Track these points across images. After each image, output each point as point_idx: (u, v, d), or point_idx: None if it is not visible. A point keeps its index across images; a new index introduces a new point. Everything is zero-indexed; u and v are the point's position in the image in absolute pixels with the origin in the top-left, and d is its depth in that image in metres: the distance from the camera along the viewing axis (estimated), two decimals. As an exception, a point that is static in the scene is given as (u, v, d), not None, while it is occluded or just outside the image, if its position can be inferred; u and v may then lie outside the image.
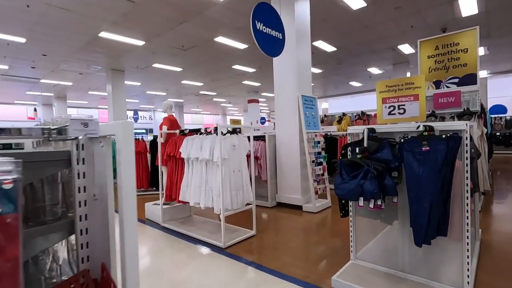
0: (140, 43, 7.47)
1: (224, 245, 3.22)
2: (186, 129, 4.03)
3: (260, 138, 5.20)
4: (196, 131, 3.78)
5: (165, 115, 4.69)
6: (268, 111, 27.52)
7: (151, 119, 24.41)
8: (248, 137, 3.76)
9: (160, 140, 4.22)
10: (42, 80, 11.34)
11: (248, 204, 3.55)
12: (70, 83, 12.17)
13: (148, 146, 6.88)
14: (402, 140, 2.01)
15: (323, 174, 4.93)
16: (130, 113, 18.74)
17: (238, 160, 3.45)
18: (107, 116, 11.36)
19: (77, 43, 7.38)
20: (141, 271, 2.76)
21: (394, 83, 2.32)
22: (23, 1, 5.13)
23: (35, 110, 18.08)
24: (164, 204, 4.23)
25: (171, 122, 4.50)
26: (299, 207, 4.76)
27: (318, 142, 4.95)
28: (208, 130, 3.60)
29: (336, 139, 6.50)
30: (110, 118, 10.70)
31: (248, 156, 3.76)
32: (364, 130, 2.23)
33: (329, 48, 8.65)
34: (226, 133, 3.45)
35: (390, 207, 2.26)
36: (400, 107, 2.28)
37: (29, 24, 6.07)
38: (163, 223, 4.14)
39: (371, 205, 2.02)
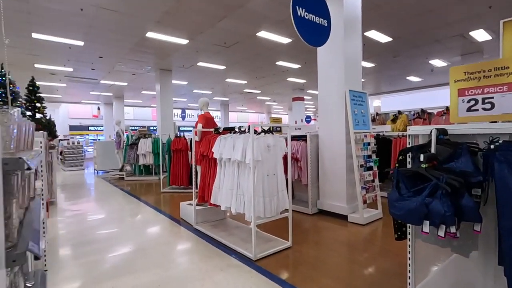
0: (184, 41, 7.54)
1: (255, 257, 2.89)
2: (220, 128, 3.81)
3: (301, 138, 4.76)
4: (230, 130, 3.52)
5: (202, 112, 4.54)
6: (314, 109, 26.54)
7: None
8: (286, 138, 3.38)
9: (194, 138, 4.06)
10: (101, 81, 12.33)
11: (283, 211, 3.18)
12: (125, 83, 13.05)
13: (189, 144, 6.90)
14: (490, 145, 1.45)
15: (373, 181, 4.31)
16: (178, 112, 19.58)
17: (273, 163, 3.09)
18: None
19: (127, 44, 7.74)
20: (165, 277, 2.58)
21: (477, 68, 1.73)
22: (77, 5, 5.44)
23: (98, 108, 19.99)
24: (197, 205, 4.07)
25: (207, 120, 4.33)
26: (344, 217, 4.22)
27: (368, 144, 4.34)
28: (242, 129, 3.30)
29: (389, 140, 5.73)
30: (158, 117, 11.18)
31: (285, 158, 3.38)
32: (431, 131, 1.70)
33: (383, 38, 7.76)
34: (260, 133, 3.12)
35: (467, 234, 1.69)
36: (486, 100, 1.69)
37: (84, 27, 6.48)
38: (195, 225, 3.98)
39: (441, 233, 1.49)
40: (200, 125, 4.25)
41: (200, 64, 9.85)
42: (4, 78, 5.45)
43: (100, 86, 13.41)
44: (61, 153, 12.61)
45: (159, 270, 2.74)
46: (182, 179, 6.78)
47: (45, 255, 2.73)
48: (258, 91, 16.01)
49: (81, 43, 7.49)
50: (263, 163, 2.98)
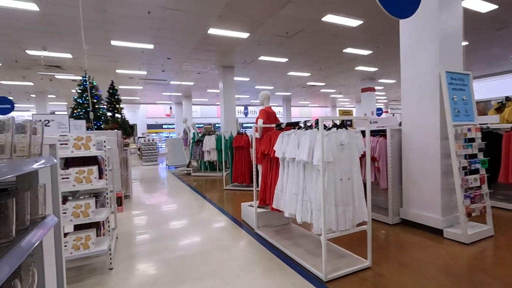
0: (245, 35, 7.33)
1: (326, 277, 2.41)
2: (282, 123, 3.39)
3: (378, 133, 4.03)
4: (294, 125, 3.07)
5: (262, 107, 4.19)
6: (386, 101, 24.03)
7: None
8: (363, 132, 2.77)
9: (255, 135, 3.74)
10: (171, 82, 13.18)
11: (360, 224, 2.61)
12: (192, 83, 13.69)
13: (251, 141, 6.69)
14: None
15: (480, 187, 3.34)
16: (241, 108, 19.87)
17: (348, 164, 2.54)
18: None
19: (191, 44, 7.91)
20: (222, 292, 2.31)
21: None
22: (145, 9, 5.65)
23: (170, 108, 21.72)
24: (258, 207, 3.76)
25: (268, 115, 3.97)
26: (438, 232, 3.38)
27: (473, 140, 3.38)
28: (308, 124, 2.83)
29: (498, 134, 4.49)
30: (221, 114, 11.38)
31: (363, 158, 2.78)
32: None
33: (484, 6, 6.23)
34: (331, 127, 2.59)
35: None
36: None
37: (152, 30, 6.79)
38: (257, 229, 3.67)
39: None
40: (260, 121, 3.91)
41: (262, 58, 9.59)
42: (87, 83, 6.04)
43: (170, 87, 14.37)
44: (139, 149, 13.98)
45: (217, 281, 2.49)
46: (244, 176, 6.61)
47: (110, 254, 2.75)
48: (322, 84, 15.08)
49: (151, 46, 7.94)
50: (335, 164, 2.46)
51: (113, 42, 7.52)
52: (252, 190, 6.39)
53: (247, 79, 13.11)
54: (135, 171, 10.97)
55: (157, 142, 14.61)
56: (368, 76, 13.58)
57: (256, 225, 3.69)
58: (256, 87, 15.37)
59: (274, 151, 3.09)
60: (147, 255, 3.11)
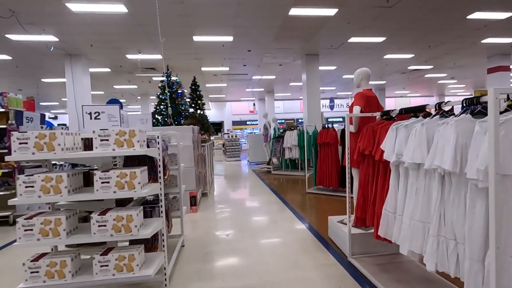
0: (333, 11, 6.20)
1: None
2: (393, 110, 2.30)
3: None
4: (416, 111, 1.97)
5: (359, 90, 3.11)
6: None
7: (348, 107, 23.15)
8: None
9: (349, 129, 2.72)
10: (253, 77, 12.94)
11: None
12: (273, 77, 13.16)
13: (339, 136, 5.59)
14: None
15: None
16: (326, 102, 18.40)
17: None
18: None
19: (271, 30, 7.25)
20: None
21: None
22: (221, -7, 5.22)
23: (253, 104, 21.94)
24: (353, 227, 2.76)
25: (368, 100, 2.88)
26: None
27: None
28: (447, 107, 1.70)
29: None
30: (304, 107, 10.42)
31: None
32: None
33: None
34: (505, 111, 1.41)
35: None
36: None
37: (230, 19, 6.39)
38: (350, 257, 2.68)
39: None
40: (357, 108, 2.86)
41: (352, 40, 8.18)
42: (169, 79, 6.06)
43: (252, 82, 14.19)
44: (223, 145, 14.37)
45: None
46: (331, 179, 5.57)
47: (165, 274, 2.26)
48: (429, 67, 12.34)
49: (230, 38, 7.63)
50: (518, 180, 1.29)
51: (195, 38, 7.50)
52: (341, 197, 5.30)
53: (333, 67, 11.74)
54: (219, 166, 11.14)
55: (240, 138, 14.71)
56: (499, 51, 10.33)
57: (350, 252, 2.70)
58: (344, 76, 13.76)
59: (381, 151, 2.06)
60: (209, 276, 2.53)
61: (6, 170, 4.34)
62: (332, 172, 5.56)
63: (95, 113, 2.15)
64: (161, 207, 2.24)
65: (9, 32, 6.58)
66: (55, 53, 8.12)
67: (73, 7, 5.38)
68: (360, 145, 2.39)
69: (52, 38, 6.99)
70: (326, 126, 5.82)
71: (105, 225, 1.83)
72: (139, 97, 17.23)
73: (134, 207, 2.01)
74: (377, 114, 2.51)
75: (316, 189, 5.95)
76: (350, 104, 3.09)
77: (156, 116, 6.53)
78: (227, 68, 11.02)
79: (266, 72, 12.23)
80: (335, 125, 5.98)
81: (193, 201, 4.57)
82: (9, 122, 4.33)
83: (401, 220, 1.88)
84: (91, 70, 9.53)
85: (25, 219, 1.80)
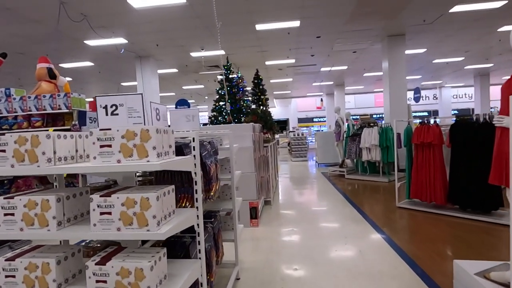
0: (433, -30, 4.70)
1: None
2: None
3: None
4: None
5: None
6: None
7: (436, 98, 19.61)
8: None
9: (500, 123, 1.54)
10: (321, 69, 11.69)
11: None
12: (345, 67, 11.67)
13: (445, 135, 4.15)
14: None
15: None
16: (409, 93, 15.77)
17: None
18: (382, 100, 9.47)
19: (344, 8, 6.04)
20: None
21: None
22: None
23: (321, 100, 20.43)
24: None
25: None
26: None
27: None
28: None
29: None
30: (385, 100, 8.76)
31: None
32: None
33: None
34: None
35: None
36: None
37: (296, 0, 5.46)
38: None
39: None
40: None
41: (456, 9, 6.33)
42: (229, 72, 5.46)
43: (321, 74, 12.92)
44: (288, 144, 13.49)
45: None
46: (434, 191, 4.16)
47: None
48: None
49: (297, 23, 6.69)
50: None
51: (258, 27, 6.80)
52: (451, 216, 3.84)
53: (423, 50, 9.68)
54: (284, 166, 10.32)
55: (307, 136, 13.60)
56: None
57: None
58: (435, 61, 11.39)
59: None
60: None
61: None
62: (435, 182, 4.14)
63: (111, 106, 1.53)
64: (199, 243, 1.49)
65: (87, 38, 6.94)
66: (128, 56, 8.44)
67: (134, 2, 5.22)
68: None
69: (122, 40, 7.16)
70: (426, 121, 4.41)
71: (105, 281, 1.16)
72: (206, 97, 17.61)
73: (152, 249, 1.29)
74: None
75: (410, 203, 4.59)
76: (505, 83, 1.86)
77: (214, 113, 6.05)
78: (293, 60, 10.07)
79: (337, 62, 10.86)
80: (437, 120, 4.49)
81: (254, 214, 3.83)
82: (73, 122, 4.28)
83: None
84: (160, 71, 9.75)
85: (6, 260, 1.25)
